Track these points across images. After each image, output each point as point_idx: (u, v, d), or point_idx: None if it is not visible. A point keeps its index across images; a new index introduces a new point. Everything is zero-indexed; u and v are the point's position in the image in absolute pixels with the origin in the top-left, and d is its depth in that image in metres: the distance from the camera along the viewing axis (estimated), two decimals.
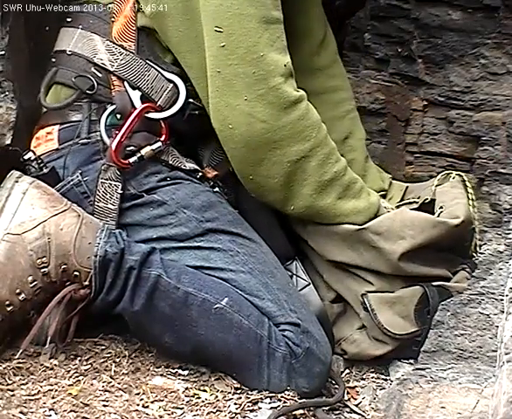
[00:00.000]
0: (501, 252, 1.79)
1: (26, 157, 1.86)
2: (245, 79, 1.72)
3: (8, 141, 1.90)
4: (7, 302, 1.71)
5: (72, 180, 1.83)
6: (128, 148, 1.82)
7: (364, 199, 1.88)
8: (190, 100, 1.87)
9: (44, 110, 1.90)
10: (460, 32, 2.41)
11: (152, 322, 1.76)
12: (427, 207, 2.02)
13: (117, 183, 1.81)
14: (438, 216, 1.95)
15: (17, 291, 1.72)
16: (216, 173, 1.93)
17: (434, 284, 1.91)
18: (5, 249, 1.72)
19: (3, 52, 1.88)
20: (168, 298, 1.75)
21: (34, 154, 1.86)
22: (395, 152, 2.47)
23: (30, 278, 1.72)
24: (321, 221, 1.86)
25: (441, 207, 1.99)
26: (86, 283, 1.75)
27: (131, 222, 1.82)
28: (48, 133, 1.87)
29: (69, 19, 1.92)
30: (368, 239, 1.88)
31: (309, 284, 1.92)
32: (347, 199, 1.85)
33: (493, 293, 1.67)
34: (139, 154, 1.82)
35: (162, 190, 1.84)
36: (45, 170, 1.84)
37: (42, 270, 1.73)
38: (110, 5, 1.88)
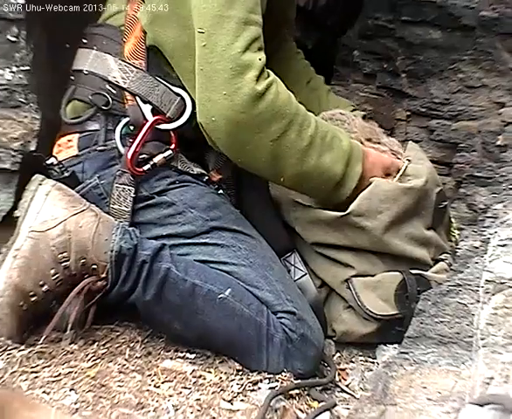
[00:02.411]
0: (477, 248, 1.78)
1: (49, 162, 1.85)
2: (224, 75, 1.67)
3: (32, 148, 1.91)
4: (31, 293, 1.71)
5: (90, 183, 1.82)
6: (142, 157, 1.82)
7: (338, 147, 1.82)
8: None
9: (63, 120, 1.89)
10: (440, 50, 2.41)
11: (162, 311, 1.75)
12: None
13: (130, 188, 1.80)
14: (404, 171, 1.94)
15: (41, 282, 1.71)
16: (220, 176, 1.93)
17: (413, 272, 1.91)
18: (30, 245, 1.72)
19: (28, 68, 1.88)
20: (176, 289, 1.74)
21: (56, 159, 1.85)
22: None
23: (52, 271, 1.72)
24: (310, 183, 1.81)
25: (408, 160, 1.99)
26: (103, 275, 1.74)
27: (144, 220, 1.81)
28: (69, 140, 1.86)
29: (85, 40, 1.91)
30: (351, 222, 1.87)
31: (306, 274, 1.92)
32: (324, 154, 1.78)
33: (469, 285, 1.66)
34: (152, 162, 1.82)
35: (171, 192, 1.83)
36: (66, 174, 1.83)
37: (63, 264, 1.73)
38: (122, 27, 1.87)
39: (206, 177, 1.90)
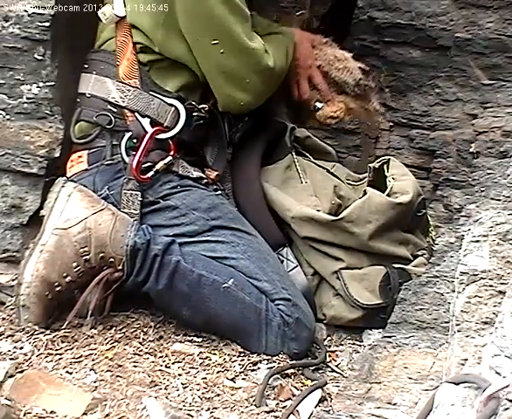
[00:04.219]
0: (453, 243, 1.79)
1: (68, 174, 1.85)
2: (245, 68, 1.84)
3: (57, 154, 1.90)
4: (56, 283, 1.71)
5: (101, 194, 1.81)
6: (145, 165, 1.81)
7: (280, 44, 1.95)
8: (194, 114, 1.87)
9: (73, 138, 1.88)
10: (419, 67, 2.41)
11: (172, 299, 1.75)
12: (377, 174, 2.05)
13: (137, 192, 1.79)
14: (390, 189, 1.96)
15: (64, 274, 1.71)
16: (217, 173, 1.92)
17: (396, 266, 1.92)
18: (54, 241, 1.72)
19: (53, 83, 1.88)
20: (185, 279, 1.74)
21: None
22: (367, 163, 2.47)
23: (74, 264, 1.72)
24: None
25: (393, 178, 2.00)
26: (120, 267, 1.74)
27: (151, 224, 1.80)
28: (79, 156, 1.85)
29: (86, 66, 1.90)
30: (342, 226, 1.89)
31: (297, 266, 1.91)
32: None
33: (446, 276, 1.66)
34: (155, 169, 1.81)
35: (174, 197, 1.83)
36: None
37: (84, 257, 1.73)
38: (114, 52, 1.85)
39: (205, 180, 1.90)
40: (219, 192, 1.90)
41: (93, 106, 1.85)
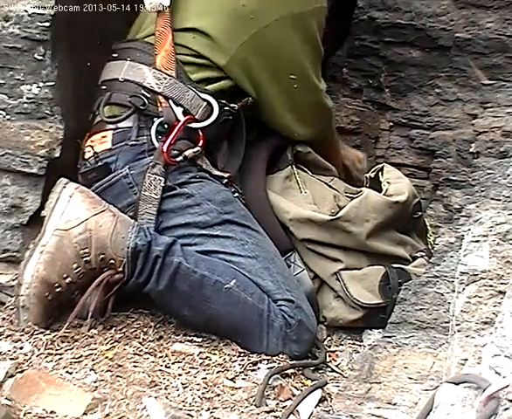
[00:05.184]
0: (453, 243, 1.79)
1: (87, 155, 1.85)
2: (311, 106, 2.02)
3: (57, 155, 1.90)
4: (56, 284, 1.71)
5: (121, 172, 1.82)
6: (173, 152, 1.82)
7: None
8: (224, 112, 1.88)
9: (98, 120, 1.89)
10: (419, 67, 2.41)
11: (173, 299, 1.75)
12: (373, 182, 2.08)
13: (161, 178, 1.80)
14: (386, 191, 1.99)
15: (64, 275, 1.71)
16: (229, 174, 1.92)
17: (395, 266, 1.92)
18: (55, 242, 1.71)
19: (53, 83, 1.88)
20: (187, 280, 1.74)
21: (93, 149, 1.85)
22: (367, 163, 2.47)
23: (74, 265, 1.72)
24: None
25: (388, 182, 2.01)
26: (120, 269, 1.74)
27: (165, 208, 1.80)
28: (103, 136, 1.86)
29: (115, 55, 1.92)
30: (339, 226, 1.90)
31: (303, 269, 1.92)
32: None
33: (446, 276, 1.66)
34: (183, 155, 1.82)
35: (191, 185, 1.83)
36: (100, 163, 1.83)
37: (84, 258, 1.72)
38: (151, 42, 1.88)
39: (225, 180, 1.90)
40: (236, 195, 1.90)
41: (125, 90, 1.86)
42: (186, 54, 1.88)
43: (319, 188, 2.02)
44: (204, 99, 1.86)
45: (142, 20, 1.95)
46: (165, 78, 1.85)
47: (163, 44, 1.86)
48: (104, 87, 1.90)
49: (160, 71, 1.85)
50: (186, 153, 1.82)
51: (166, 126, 1.83)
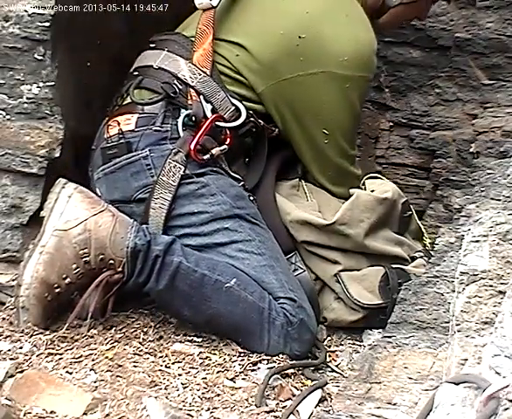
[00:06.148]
0: (453, 243, 1.78)
1: (112, 132, 1.86)
2: (337, 166, 2.01)
3: (57, 154, 1.90)
4: (55, 285, 1.71)
5: (141, 153, 1.82)
6: (198, 149, 1.83)
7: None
8: (251, 119, 1.89)
9: (125, 102, 1.90)
10: (419, 67, 2.41)
11: (173, 299, 1.75)
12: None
13: (181, 166, 1.81)
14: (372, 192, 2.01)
15: (64, 276, 1.71)
16: (243, 184, 1.92)
17: (394, 266, 1.93)
18: (54, 242, 1.71)
19: (53, 83, 1.88)
20: (187, 279, 1.74)
21: (119, 125, 1.85)
22: (367, 163, 2.47)
23: (74, 266, 1.72)
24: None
25: (372, 190, 2.02)
26: (120, 269, 1.74)
27: (180, 195, 1.81)
28: (127, 118, 1.87)
29: (153, 45, 1.95)
30: (336, 230, 1.91)
31: (304, 271, 1.92)
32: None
33: (446, 276, 1.66)
34: (210, 153, 1.83)
35: (208, 176, 1.84)
36: (123, 141, 1.84)
37: (84, 259, 1.72)
38: (192, 38, 1.90)
39: (242, 182, 1.90)
40: (252, 198, 1.91)
41: (158, 77, 1.89)
42: (225, 65, 1.90)
43: (325, 197, 2.03)
44: (234, 104, 1.88)
45: (189, 21, 1.98)
46: (200, 74, 1.87)
47: (203, 43, 1.89)
48: (136, 73, 1.92)
49: (196, 66, 1.87)
50: (213, 151, 1.84)
51: (193, 118, 1.84)
